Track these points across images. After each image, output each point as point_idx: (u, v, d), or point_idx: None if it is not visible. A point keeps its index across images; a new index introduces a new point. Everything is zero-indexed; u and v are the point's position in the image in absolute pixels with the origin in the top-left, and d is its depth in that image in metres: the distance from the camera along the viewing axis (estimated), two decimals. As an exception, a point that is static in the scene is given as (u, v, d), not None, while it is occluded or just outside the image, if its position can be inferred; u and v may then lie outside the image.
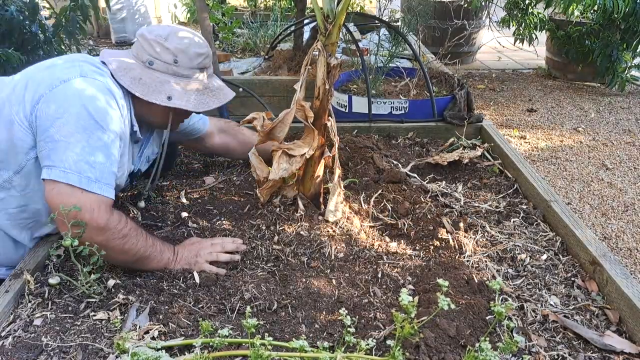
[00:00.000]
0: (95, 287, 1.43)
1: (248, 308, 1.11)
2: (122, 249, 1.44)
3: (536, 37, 5.35)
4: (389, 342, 1.11)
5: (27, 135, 1.44)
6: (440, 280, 1.00)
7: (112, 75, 1.55)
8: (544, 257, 1.65)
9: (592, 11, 5.09)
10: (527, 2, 5.26)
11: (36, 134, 1.43)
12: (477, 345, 1.27)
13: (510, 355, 1.26)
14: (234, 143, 2.11)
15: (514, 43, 5.46)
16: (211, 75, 1.69)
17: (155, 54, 1.56)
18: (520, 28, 5.34)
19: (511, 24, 5.33)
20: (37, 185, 1.50)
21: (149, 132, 1.80)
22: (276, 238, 1.67)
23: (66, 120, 1.38)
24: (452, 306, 0.98)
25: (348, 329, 1.10)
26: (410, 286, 1.50)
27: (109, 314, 1.37)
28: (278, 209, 1.81)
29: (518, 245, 1.69)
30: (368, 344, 1.08)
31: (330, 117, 1.74)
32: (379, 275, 1.55)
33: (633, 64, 4.89)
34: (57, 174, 1.37)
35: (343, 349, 1.10)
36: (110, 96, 1.47)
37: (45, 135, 1.39)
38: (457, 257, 1.61)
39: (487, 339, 1.05)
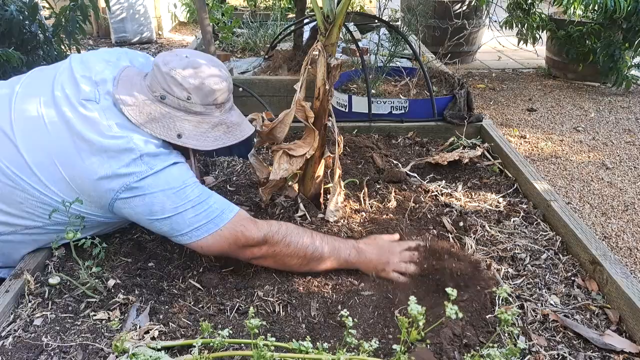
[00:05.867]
0: (96, 282, 1.43)
1: (251, 308, 1.11)
2: (287, 252, 1.45)
3: (540, 38, 5.34)
4: (394, 346, 1.10)
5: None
6: (448, 290, 0.99)
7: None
8: (544, 256, 1.65)
9: (592, 11, 5.08)
10: (529, 2, 5.25)
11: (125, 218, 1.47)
12: (479, 344, 1.27)
13: (512, 356, 1.26)
14: None
15: (518, 44, 5.45)
16: (230, 109, 1.59)
17: (168, 89, 1.46)
18: (523, 29, 5.34)
19: (514, 24, 5.32)
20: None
21: None
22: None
23: (162, 205, 1.40)
24: (460, 315, 0.97)
25: (349, 330, 1.10)
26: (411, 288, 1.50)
27: (109, 314, 1.37)
28: (279, 209, 1.81)
29: (518, 245, 1.69)
30: (371, 346, 1.08)
31: (330, 117, 1.74)
32: (380, 275, 1.55)
33: (633, 64, 4.89)
34: (198, 233, 1.41)
35: (344, 350, 1.10)
36: (173, 166, 1.44)
37: (155, 219, 1.41)
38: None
39: (495, 345, 1.04)
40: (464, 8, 5.46)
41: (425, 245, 1.57)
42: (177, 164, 1.45)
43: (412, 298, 1.01)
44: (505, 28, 5.31)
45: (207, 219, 1.40)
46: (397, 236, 1.65)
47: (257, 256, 1.47)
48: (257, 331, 1.04)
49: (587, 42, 4.96)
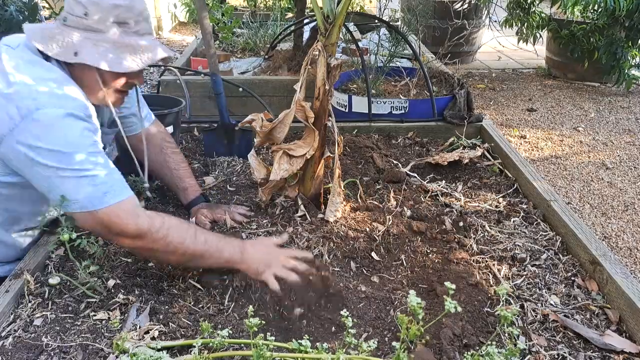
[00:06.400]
0: (95, 280, 1.43)
1: (250, 307, 1.11)
2: (167, 249, 1.41)
3: (540, 37, 5.34)
4: (394, 344, 1.10)
5: None
6: (447, 284, 1.00)
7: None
8: (544, 256, 1.65)
9: (592, 10, 5.08)
10: (529, 1, 5.25)
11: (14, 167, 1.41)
12: (479, 344, 1.27)
13: (512, 356, 1.26)
14: (152, 160, 1.87)
15: (517, 43, 5.46)
16: (141, 34, 1.49)
17: (69, 8, 1.42)
18: (523, 28, 5.34)
19: (514, 24, 5.33)
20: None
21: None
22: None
23: (44, 158, 1.33)
24: (459, 309, 0.97)
25: (349, 330, 1.10)
26: (411, 288, 1.50)
27: (109, 314, 1.37)
28: (279, 209, 1.81)
29: (518, 245, 1.69)
30: (369, 346, 1.08)
31: (330, 117, 1.74)
32: (380, 275, 1.55)
33: (633, 64, 4.89)
34: (72, 207, 1.36)
35: (344, 350, 1.10)
36: (68, 117, 1.36)
37: (34, 171, 1.36)
38: (457, 256, 1.61)
39: (494, 343, 1.04)
40: (465, 6, 5.46)
41: (313, 260, 1.53)
42: (76, 119, 1.37)
43: (412, 292, 1.01)
44: (505, 27, 5.31)
45: (84, 196, 1.34)
46: (285, 237, 1.62)
47: (131, 247, 1.43)
48: (256, 329, 1.04)
49: (592, 40, 4.94)
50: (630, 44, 4.77)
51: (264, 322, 1.32)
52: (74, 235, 1.36)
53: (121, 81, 1.53)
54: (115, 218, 1.36)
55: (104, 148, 1.58)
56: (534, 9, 5.28)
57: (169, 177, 1.90)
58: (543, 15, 5.29)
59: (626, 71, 4.84)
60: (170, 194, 1.96)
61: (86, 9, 1.41)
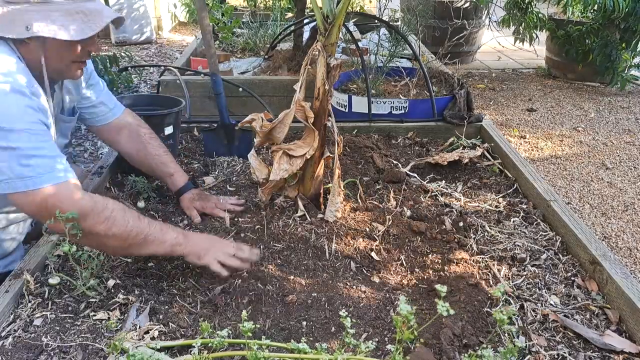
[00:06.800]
0: (96, 281, 1.42)
1: (244, 312, 1.10)
2: (108, 233, 1.35)
3: (537, 37, 5.34)
4: (389, 346, 1.10)
5: None
6: (438, 286, 0.99)
7: None
8: (544, 256, 1.65)
9: (592, 10, 5.08)
10: (527, 1, 5.25)
11: None
12: (479, 344, 1.27)
13: (510, 355, 1.26)
14: (131, 151, 1.91)
15: (514, 43, 5.46)
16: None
17: None
18: (520, 28, 5.34)
19: (511, 23, 5.33)
20: None
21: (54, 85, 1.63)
22: (277, 238, 1.67)
23: None
24: (452, 312, 0.96)
25: (348, 330, 1.10)
26: (411, 288, 1.50)
27: (109, 314, 1.37)
28: (279, 209, 1.81)
29: (518, 245, 1.69)
30: (368, 347, 1.08)
31: (330, 117, 1.74)
32: (380, 275, 1.55)
33: (632, 64, 4.89)
34: (3, 187, 1.31)
35: (343, 350, 1.10)
36: (11, 93, 1.32)
37: None
38: (457, 256, 1.61)
39: (489, 346, 1.04)
40: (465, 5, 5.45)
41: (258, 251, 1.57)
42: (19, 95, 1.33)
43: (402, 298, 1.01)
44: (502, 27, 5.31)
45: (20, 176, 1.29)
46: (235, 243, 1.58)
47: (81, 229, 1.34)
48: (250, 334, 1.04)
49: (587, 41, 4.96)
50: (624, 46, 4.78)
51: (257, 326, 1.32)
52: (74, 249, 1.33)
53: (76, 49, 1.49)
54: (55, 199, 1.30)
55: (66, 138, 1.55)
56: (531, 9, 5.28)
57: (153, 164, 1.88)
58: (540, 15, 5.28)
59: (624, 72, 4.84)
60: (170, 194, 1.96)
61: None
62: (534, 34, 5.31)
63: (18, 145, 1.30)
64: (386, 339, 1.31)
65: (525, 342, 1.30)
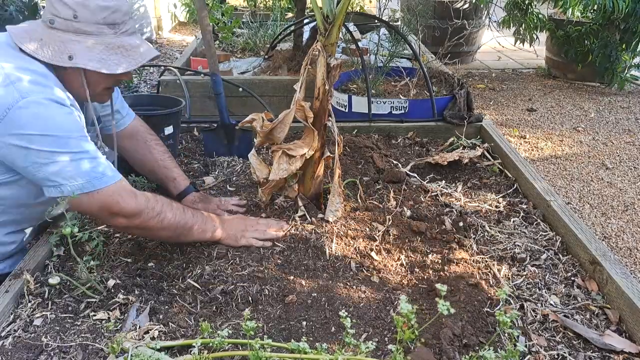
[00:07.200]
0: (96, 281, 1.43)
1: (246, 311, 1.11)
2: (161, 226, 1.48)
3: (537, 38, 5.34)
4: (389, 346, 1.10)
5: None
6: (438, 285, 0.99)
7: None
8: (544, 256, 1.65)
9: (591, 11, 5.08)
10: (527, 2, 5.25)
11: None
12: (479, 344, 1.27)
13: (511, 358, 1.26)
14: (136, 155, 1.93)
15: (515, 44, 5.46)
16: (129, 33, 1.52)
17: (54, 10, 1.42)
18: (521, 28, 5.34)
19: (511, 24, 5.33)
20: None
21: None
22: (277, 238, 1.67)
23: (38, 144, 1.34)
24: (452, 310, 0.97)
25: (348, 330, 1.10)
26: (411, 288, 1.50)
27: (109, 314, 1.37)
28: (279, 209, 1.81)
29: (518, 245, 1.69)
30: (368, 347, 1.08)
31: (330, 117, 1.74)
32: (380, 275, 1.55)
33: (632, 64, 4.89)
34: (69, 190, 1.37)
35: (343, 350, 1.10)
36: (54, 103, 1.38)
37: (28, 161, 1.36)
38: (457, 256, 1.61)
39: (491, 348, 1.04)
40: (465, 6, 5.46)
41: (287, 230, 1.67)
42: (61, 106, 1.38)
43: (403, 297, 1.01)
44: (503, 27, 5.31)
45: (85, 177, 1.38)
46: (264, 220, 1.71)
47: (125, 226, 1.49)
48: (252, 333, 1.04)
49: (586, 42, 4.96)
50: (624, 47, 4.78)
51: (260, 322, 1.32)
52: (76, 229, 1.35)
53: (111, 80, 1.55)
54: (117, 197, 1.41)
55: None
56: (531, 9, 5.28)
57: (156, 169, 1.91)
58: (541, 16, 5.28)
59: (624, 72, 4.84)
60: (170, 194, 1.96)
61: (75, 11, 1.41)
62: (534, 35, 5.31)
63: (77, 149, 1.38)
64: (386, 339, 1.31)
65: (525, 342, 1.30)
